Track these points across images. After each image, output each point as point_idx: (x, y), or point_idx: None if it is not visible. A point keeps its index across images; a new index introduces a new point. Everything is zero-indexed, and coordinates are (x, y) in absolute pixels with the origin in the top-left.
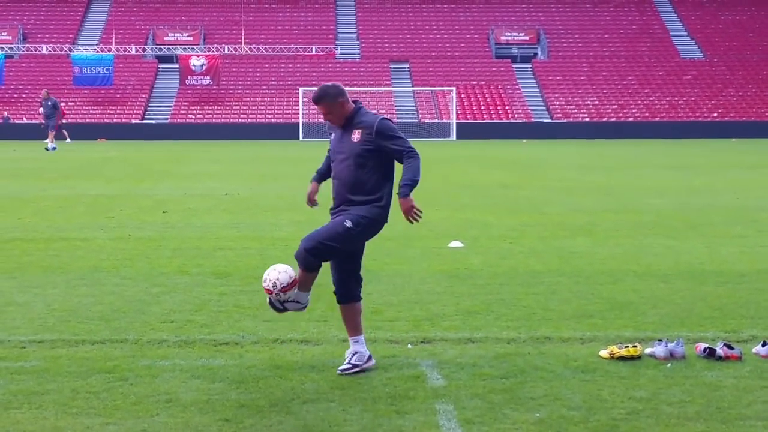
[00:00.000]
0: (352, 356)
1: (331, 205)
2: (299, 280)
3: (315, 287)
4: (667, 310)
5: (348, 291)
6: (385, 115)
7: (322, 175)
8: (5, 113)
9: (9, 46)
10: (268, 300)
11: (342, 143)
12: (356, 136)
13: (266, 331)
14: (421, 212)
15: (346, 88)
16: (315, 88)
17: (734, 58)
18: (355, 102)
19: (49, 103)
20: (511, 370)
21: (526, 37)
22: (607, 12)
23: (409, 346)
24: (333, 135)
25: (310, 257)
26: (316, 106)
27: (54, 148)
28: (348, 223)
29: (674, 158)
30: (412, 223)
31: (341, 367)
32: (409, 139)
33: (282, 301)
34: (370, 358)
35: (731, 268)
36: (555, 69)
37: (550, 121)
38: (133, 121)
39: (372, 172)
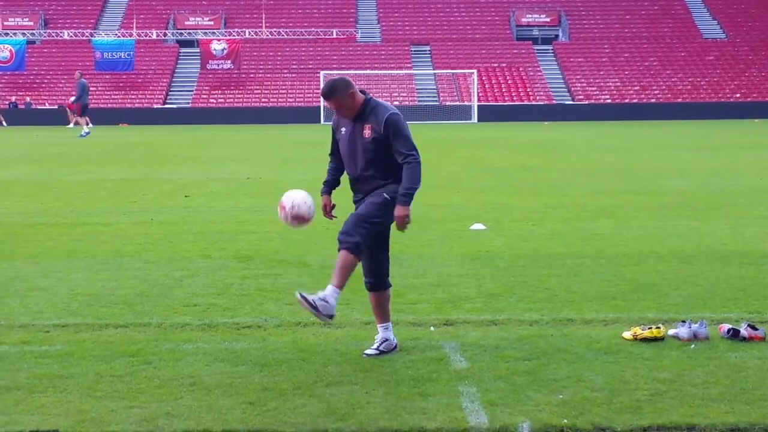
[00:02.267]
0: (381, 343)
1: (354, 196)
2: (340, 268)
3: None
4: (691, 291)
5: (379, 279)
6: (395, 110)
7: (330, 186)
8: (27, 99)
9: (31, 31)
10: (302, 300)
11: (353, 140)
12: (367, 131)
13: (289, 315)
14: (410, 224)
15: (367, 72)
16: (333, 76)
17: (757, 38)
18: (363, 92)
19: (79, 85)
20: (534, 352)
21: (547, 19)
22: None
23: (432, 328)
24: (344, 130)
25: (356, 238)
26: (326, 101)
27: (86, 133)
28: (386, 195)
29: (696, 139)
30: (401, 230)
31: (368, 351)
32: (430, 123)
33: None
34: (396, 347)
35: (755, 248)
36: (576, 51)
37: (571, 102)
38: (155, 106)
39: (385, 159)
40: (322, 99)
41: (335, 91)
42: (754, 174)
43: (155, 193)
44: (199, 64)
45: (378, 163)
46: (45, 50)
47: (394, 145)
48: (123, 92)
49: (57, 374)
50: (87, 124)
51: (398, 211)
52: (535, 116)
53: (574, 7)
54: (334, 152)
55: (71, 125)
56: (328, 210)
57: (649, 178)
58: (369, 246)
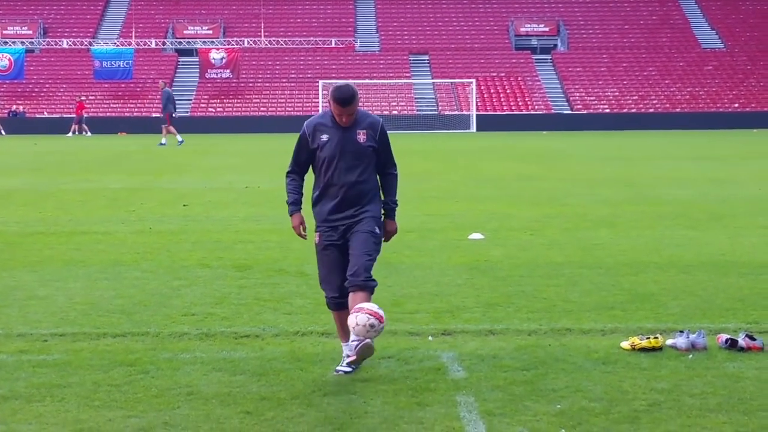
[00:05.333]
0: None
1: (333, 212)
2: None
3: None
4: (689, 301)
5: (346, 296)
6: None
7: (300, 204)
8: (21, 107)
9: (30, 40)
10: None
11: (346, 145)
12: (362, 137)
13: (287, 324)
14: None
15: (366, 81)
16: (336, 83)
17: (755, 48)
18: None
19: (163, 94)
20: (532, 362)
21: (546, 29)
22: (627, 3)
23: (430, 338)
24: (325, 137)
25: (372, 281)
26: (343, 108)
27: (163, 144)
28: (377, 230)
29: (695, 149)
30: (386, 241)
31: (345, 369)
32: (428, 132)
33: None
34: None
35: (753, 258)
36: (575, 60)
37: (570, 112)
38: (154, 115)
39: (372, 170)
40: (338, 105)
41: (355, 96)
42: (753, 184)
43: (154, 202)
44: (198, 73)
45: (370, 170)
46: (44, 59)
47: (384, 154)
48: (122, 101)
49: (55, 383)
50: (166, 135)
51: (391, 225)
52: (533, 126)
53: (572, 16)
54: (300, 167)
55: (84, 133)
56: (303, 229)
57: (647, 187)
58: (338, 265)
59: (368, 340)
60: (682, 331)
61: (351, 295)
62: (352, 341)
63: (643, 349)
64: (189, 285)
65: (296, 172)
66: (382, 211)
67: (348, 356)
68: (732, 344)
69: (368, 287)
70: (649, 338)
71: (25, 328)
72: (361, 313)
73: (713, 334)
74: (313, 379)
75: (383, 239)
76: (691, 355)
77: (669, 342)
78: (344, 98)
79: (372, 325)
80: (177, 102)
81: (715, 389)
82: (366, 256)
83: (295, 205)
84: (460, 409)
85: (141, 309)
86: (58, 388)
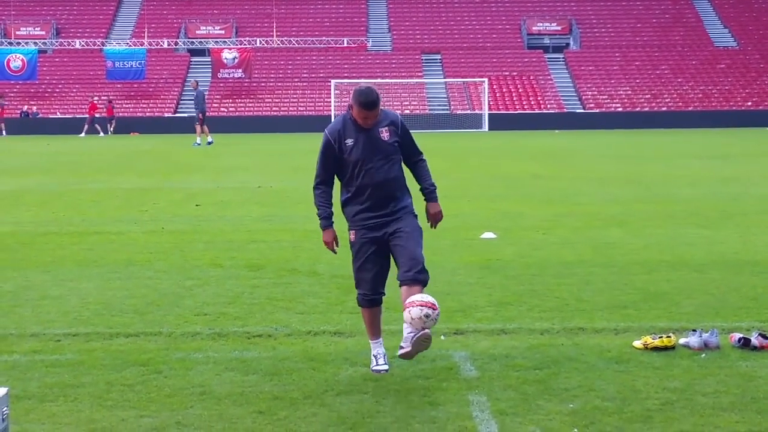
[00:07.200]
0: (384, 356)
1: (369, 211)
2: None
3: (347, 279)
4: (702, 300)
5: (383, 292)
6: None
7: (332, 216)
8: (34, 108)
9: (42, 41)
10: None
11: (372, 145)
12: (385, 134)
13: (299, 324)
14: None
15: (378, 80)
16: (357, 87)
17: None
18: None
19: (196, 94)
20: (545, 361)
21: (558, 27)
22: (640, 1)
23: (442, 337)
24: (351, 141)
25: (426, 273)
26: (370, 111)
27: (197, 144)
28: (419, 223)
29: (707, 148)
30: (434, 227)
31: (380, 368)
32: (441, 131)
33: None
34: None
35: (766, 257)
36: (587, 59)
37: (582, 111)
38: (166, 115)
39: (400, 166)
40: (364, 109)
41: (378, 100)
42: (766, 183)
43: (166, 202)
44: (210, 73)
45: (398, 166)
46: (57, 59)
47: (409, 146)
48: (134, 101)
49: (68, 383)
50: (200, 135)
51: (434, 208)
52: (545, 125)
53: (585, 15)
54: (328, 177)
55: (106, 132)
56: (336, 244)
57: (659, 186)
58: (382, 261)
59: (426, 331)
60: (694, 330)
61: (404, 288)
62: (408, 333)
63: (656, 348)
64: (201, 285)
65: (325, 183)
66: (423, 197)
67: (402, 348)
68: (745, 343)
69: (422, 281)
70: (661, 337)
71: (38, 328)
72: (413, 307)
73: (726, 333)
74: (326, 378)
75: (431, 225)
76: (704, 354)
77: (682, 341)
78: (369, 102)
79: (427, 315)
80: (190, 102)
81: (728, 388)
82: (419, 250)
83: (327, 219)
84: (472, 408)
85: (154, 309)
86: (71, 387)
